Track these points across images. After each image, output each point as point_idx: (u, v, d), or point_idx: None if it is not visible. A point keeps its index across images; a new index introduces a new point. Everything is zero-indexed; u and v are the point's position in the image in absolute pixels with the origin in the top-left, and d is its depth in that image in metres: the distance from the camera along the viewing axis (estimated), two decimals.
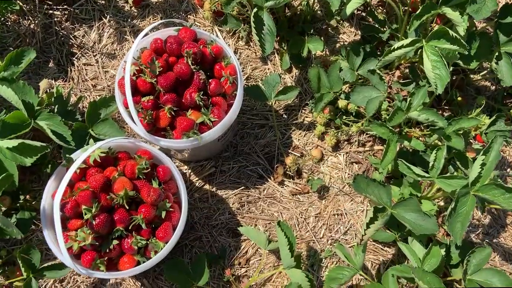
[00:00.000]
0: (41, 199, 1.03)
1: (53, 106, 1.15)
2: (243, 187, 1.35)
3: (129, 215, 1.02)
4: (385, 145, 1.14)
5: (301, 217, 1.33)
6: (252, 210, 1.33)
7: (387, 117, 1.27)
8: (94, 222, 0.97)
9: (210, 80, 1.15)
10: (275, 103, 1.46)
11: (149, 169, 1.07)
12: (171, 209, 1.06)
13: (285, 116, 1.46)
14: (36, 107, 1.11)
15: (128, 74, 1.02)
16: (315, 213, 1.33)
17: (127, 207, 1.01)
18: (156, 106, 1.13)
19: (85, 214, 0.98)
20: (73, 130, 1.11)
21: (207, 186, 1.36)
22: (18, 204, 1.21)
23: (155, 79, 1.12)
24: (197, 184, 1.36)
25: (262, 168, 1.38)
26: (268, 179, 1.37)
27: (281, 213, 1.33)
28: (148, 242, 1.04)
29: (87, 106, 1.20)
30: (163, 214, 1.05)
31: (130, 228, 1.02)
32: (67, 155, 1.01)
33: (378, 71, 1.24)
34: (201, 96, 1.11)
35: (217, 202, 1.34)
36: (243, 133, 1.42)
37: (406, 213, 1.04)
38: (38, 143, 0.97)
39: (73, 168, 0.95)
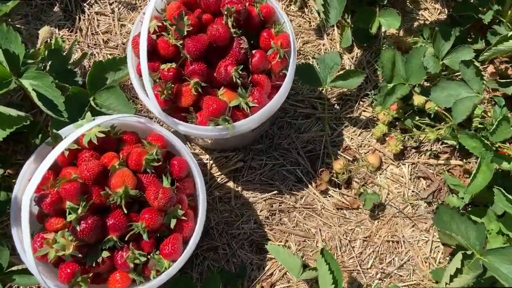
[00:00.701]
0: None
1: (46, 62, 0.90)
2: (275, 191, 1.09)
3: (127, 221, 0.77)
4: (468, 161, 0.85)
5: (345, 239, 1.06)
6: (284, 221, 1.07)
7: (479, 125, 0.97)
8: (79, 227, 0.72)
9: (253, 51, 0.87)
10: (329, 89, 1.17)
11: (161, 162, 0.81)
12: (183, 218, 0.81)
13: (337, 107, 1.17)
14: (24, 60, 0.86)
15: (146, 30, 0.75)
16: (364, 235, 1.06)
17: (125, 210, 0.76)
18: (179, 77, 0.86)
19: (69, 214, 0.74)
20: (67, 97, 0.86)
21: (231, 184, 1.10)
22: None
23: (181, 42, 0.84)
24: (219, 179, 1.10)
25: (302, 170, 1.11)
26: (309, 185, 1.10)
27: (320, 230, 1.07)
28: (149, 258, 0.79)
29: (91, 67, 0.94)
30: (173, 223, 0.80)
31: (127, 238, 0.77)
32: (54, 130, 0.76)
33: (476, 63, 0.94)
34: (240, 72, 0.84)
35: (241, 206, 1.08)
36: (283, 123, 1.15)
37: (502, 264, 0.77)
38: (13, 111, 0.72)
39: (59, 149, 0.70)
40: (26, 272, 0.84)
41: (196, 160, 0.86)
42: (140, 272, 0.80)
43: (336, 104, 1.18)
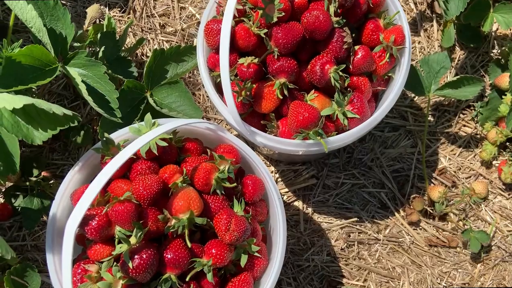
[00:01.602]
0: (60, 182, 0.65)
1: (98, 48, 0.75)
2: (354, 218, 0.92)
3: (189, 256, 0.61)
4: None
5: (439, 283, 0.88)
6: (363, 255, 0.90)
7: None
8: (131, 263, 0.57)
9: (356, 48, 0.69)
10: (422, 98, 0.99)
11: (234, 182, 0.65)
12: (257, 255, 0.65)
13: (431, 119, 0.98)
14: (71, 44, 0.71)
15: (231, 13, 0.59)
16: (463, 281, 0.88)
17: (189, 243, 0.60)
18: (260, 76, 0.70)
19: (119, 243, 0.59)
20: (121, 92, 0.70)
21: (299, 204, 0.93)
22: (27, 182, 0.84)
23: (265, 31, 0.68)
24: (285, 197, 0.94)
25: (388, 194, 0.93)
26: (395, 213, 0.92)
27: (407, 270, 0.89)
28: None
29: (148, 56, 0.78)
30: (244, 260, 0.64)
31: (188, 278, 0.61)
32: (105, 134, 0.61)
33: None
34: (340, 73, 0.67)
35: (311, 233, 0.91)
36: (365, 134, 0.97)
37: None
38: (58, 109, 0.57)
39: (113, 167, 0.54)
40: None
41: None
42: None
43: (430, 116, 0.99)
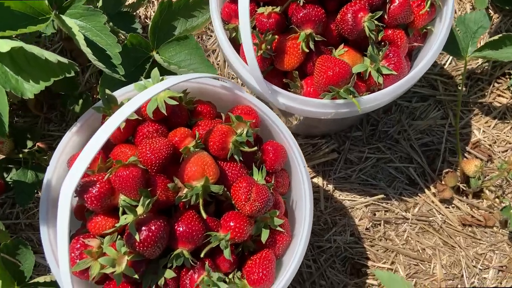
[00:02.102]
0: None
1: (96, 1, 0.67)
2: (380, 195, 0.84)
3: (204, 229, 0.54)
4: None
5: (474, 266, 0.80)
6: (390, 236, 0.82)
7: None
8: (138, 236, 0.49)
9: None
10: (453, 65, 0.91)
11: (254, 146, 0.57)
12: (280, 229, 0.57)
13: (460, 88, 0.90)
14: None
15: None
16: (500, 264, 0.81)
17: (205, 214, 0.53)
18: (282, 27, 0.62)
19: (123, 214, 0.51)
20: (124, 48, 0.63)
21: (319, 181, 0.86)
22: (21, 155, 0.76)
23: None
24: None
25: (417, 169, 0.86)
26: (425, 190, 0.85)
27: (438, 252, 0.81)
28: (229, 281, 0.56)
29: (154, 11, 0.71)
30: (265, 235, 0.56)
31: (202, 254, 0.54)
32: (107, 90, 0.53)
33: None
34: (375, 21, 0.59)
35: (333, 211, 0.84)
36: (390, 104, 0.89)
37: None
38: (52, 55, 0.50)
39: (117, 118, 0.47)
40: (54, 285, 0.63)
41: None
42: None
43: (460, 85, 0.91)
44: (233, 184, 0.56)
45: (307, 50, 0.60)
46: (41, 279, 0.62)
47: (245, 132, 0.57)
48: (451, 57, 0.92)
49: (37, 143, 0.79)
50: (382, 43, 0.63)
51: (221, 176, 0.56)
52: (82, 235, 0.55)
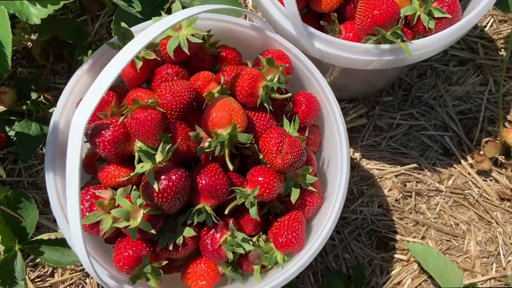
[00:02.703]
0: None
1: None
2: (413, 165, 0.78)
3: (228, 183, 0.48)
4: None
5: None
6: (421, 208, 0.77)
7: None
8: (157, 185, 0.44)
9: None
10: (494, 27, 0.84)
11: (287, 93, 0.51)
12: (311, 189, 0.52)
13: (501, 53, 0.84)
14: None
15: None
16: None
17: (231, 166, 0.47)
18: None
19: (140, 162, 0.46)
20: None
21: None
22: (24, 106, 0.71)
23: None
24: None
25: (453, 138, 0.80)
26: (461, 160, 0.79)
27: (473, 227, 0.76)
28: (253, 244, 0.50)
29: None
30: (295, 195, 0.51)
31: (227, 211, 0.48)
32: (122, 24, 0.47)
33: None
34: None
35: (360, 181, 0.78)
36: (425, 68, 0.83)
37: None
38: None
39: (128, 53, 0.41)
40: (60, 244, 0.58)
41: None
42: (235, 266, 0.52)
43: (501, 49, 0.84)
44: (263, 135, 0.50)
45: None
46: (45, 236, 0.57)
47: (276, 78, 0.51)
48: (492, 19, 0.85)
49: (43, 95, 0.74)
50: None
51: (248, 127, 0.50)
52: (92, 186, 0.50)
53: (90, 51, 0.76)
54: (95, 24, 0.81)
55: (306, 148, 0.51)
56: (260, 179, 0.49)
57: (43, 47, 0.76)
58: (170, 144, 0.45)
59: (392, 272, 0.74)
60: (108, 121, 0.47)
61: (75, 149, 0.37)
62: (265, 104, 0.51)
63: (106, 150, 0.46)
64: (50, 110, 0.74)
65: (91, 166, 0.54)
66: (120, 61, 0.40)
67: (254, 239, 0.53)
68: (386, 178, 0.78)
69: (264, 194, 0.49)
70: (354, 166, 0.80)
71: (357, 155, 0.80)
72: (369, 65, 0.55)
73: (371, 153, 0.80)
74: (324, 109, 0.55)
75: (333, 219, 0.51)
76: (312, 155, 0.54)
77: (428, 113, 0.81)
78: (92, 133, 0.47)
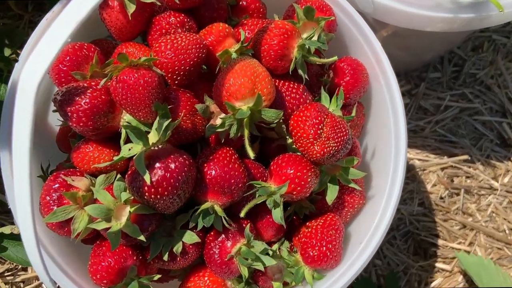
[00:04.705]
0: None
1: None
2: (463, 156, 0.66)
3: (246, 176, 0.36)
4: None
5: None
6: (469, 209, 0.65)
7: None
8: (149, 176, 0.31)
9: None
10: None
11: (326, 59, 0.38)
12: (354, 186, 0.39)
13: None
14: None
15: None
16: None
17: (252, 152, 0.35)
18: None
19: (128, 142, 0.33)
20: None
21: None
22: None
23: None
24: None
25: None
26: None
27: None
28: (274, 255, 0.39)
29: None
30: (332, 193, 0.39)
31: (243, 214, 0.36)
32: None
33: None
34: None
35: None
36: (482, 40, 0.70)
37: None
38: None
39: None
40: (16, 238, 0.46)
41: None
42: (248, 282, 0.40)
43: None
44: (295, 113, 0.37)
45: None
46: (6, 229, 0.45)
47: (316, 36, 0.38)
48: None
49: (17, 50, 0.61)
50: None
51: (275, 101, 0.38)
52: (63, 171, 0.37)
53: None
54: None
55: (352, 133, 0.39)
56: (289, 171, 0.37)
57: None
58: (169, 120, 0.33)
59: (432, 284, 0.63)
60: (85, 84, 0.35)
61: (24, 123, 0.24)
62: (300, 71, 0.38)
63: (81, 124, 0.34)
64: None
65: (66, 142, 0.41)
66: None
67: (275, 247, 0.41)
68: (430, 171, 0.66)
69: (294, 192, 0.37)
70: None
71: None
72: (437, 26, 0.41)
73: (412, 140, 0.68)
74: (376, 82, 0.42)
75: (383, 229, 0.39)
76: (357, 142, 0.42)
77: (484, 94, 0.68)
78: (62, 100, 0.34)
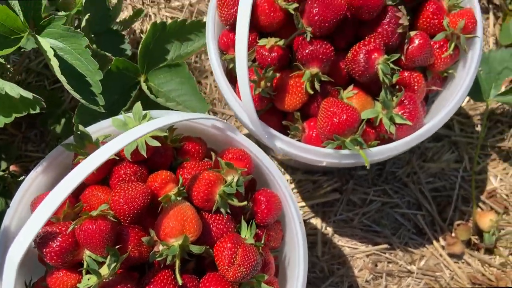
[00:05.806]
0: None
1: (81, 16, 0.61)
2: (384, 244, 0.77)
3: None
4: None
5: None
6: None
7: None
8: None
9: (412, 34, 0.54)
10: (471, 103, 0.84)
11: (244, 200, 0.50)
12: None
13: (477, 130, 0.84)
14: (52, 12, 0.58)
15: None
16: None
17: (180, 279, 0.46)
18: (284, 63, 0.55)
19: (87, 274, 0.45)
20: (108, 73, 0.56)
21: (317, 222, 0.79)
22: None
23: (296, 5, 0.53)
24: (300, 213, 0.79)
25: (425, 217, 0.79)
26: (433, 241, 0.78)
27: None
28: None
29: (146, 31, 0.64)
30: None
31: None
32: (80, 127, 0.47)
33: None
34: (391, 64, 0.52)
35: (331, 259, 0.77)
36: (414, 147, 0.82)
37: None
38: (14, 90, 0.43)
39: (85, 169, 0.40)
40: None
41: None
42: None
43: (477, 125, 0.84)
44: (216, 243, 0.49)
45: (311, 92, 0.53)
46: None
47: (235, 181, 0.50)
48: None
49: (11, 165, 0.73)
50: (397, 87, 0.56)
51: (204, 231, 0.49)
52: None
53: (63, 120, 0.76)
54: None
55: (262, 254, 0.50)
56: None
57: (15, 117, 0.76)
58: (117, 259, 0.44)
59: None
60: (57, 230, 0.46)
61: (12, 272, 0.36)
62: (221, 209, 0.50)
63: (53, 261, 0.46)
64: (20, 179, 0.73)
65: (44, 262, 0.53)
66: (70, 183, 0.39)
67: None
68: (357, 257, 0.77)
69: None
70: (326, 242, 0.78)
71: (330, 230, 0.79)
72: (329, 165, 0.54)
73: (343, 229, 0.79)
74: (285, 210, 0.54)
75: None
76: (270, 258, 0.53)
77: (402, 190, 0.80)
78: (39, 243, 0.46)
